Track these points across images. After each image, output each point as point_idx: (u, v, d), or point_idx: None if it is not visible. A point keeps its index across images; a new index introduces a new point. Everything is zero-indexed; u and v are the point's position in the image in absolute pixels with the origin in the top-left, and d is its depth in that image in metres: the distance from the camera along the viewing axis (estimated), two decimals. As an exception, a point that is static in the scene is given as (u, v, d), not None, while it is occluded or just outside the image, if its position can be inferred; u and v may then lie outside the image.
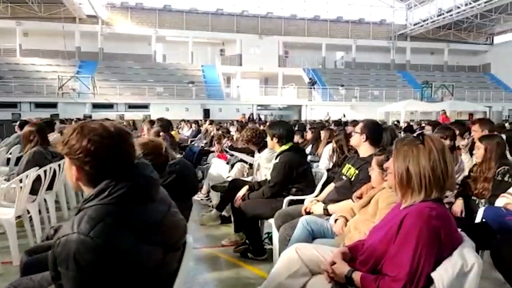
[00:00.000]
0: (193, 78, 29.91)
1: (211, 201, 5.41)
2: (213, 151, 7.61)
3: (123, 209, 1.23)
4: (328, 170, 4.20)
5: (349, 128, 6.96)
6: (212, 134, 9.56)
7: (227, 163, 5.64)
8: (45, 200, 4.29)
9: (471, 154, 4.35)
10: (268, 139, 3.71)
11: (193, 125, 14.38)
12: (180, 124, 17.51)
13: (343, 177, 3.12)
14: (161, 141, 2.16)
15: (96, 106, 25.80)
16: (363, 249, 1.72)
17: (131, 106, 26.41)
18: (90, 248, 1.12)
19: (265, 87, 34.05)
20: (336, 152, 4.60)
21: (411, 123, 11.98)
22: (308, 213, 3.07)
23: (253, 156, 4.89)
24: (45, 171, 3.77)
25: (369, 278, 1.56)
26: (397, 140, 1.70)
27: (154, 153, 2.13)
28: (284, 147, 3.59)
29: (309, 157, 6.24)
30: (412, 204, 1.58)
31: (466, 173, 3.58)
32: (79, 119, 14.10)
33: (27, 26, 29.95)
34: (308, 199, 3.30)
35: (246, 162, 5.14)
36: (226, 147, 7.05)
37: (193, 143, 10.87)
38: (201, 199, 5.64)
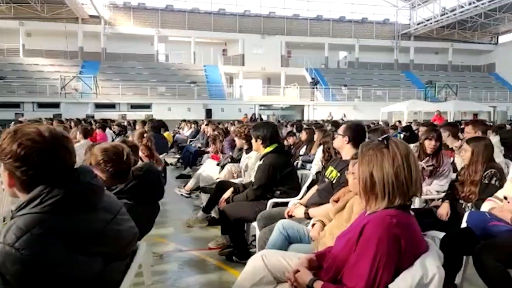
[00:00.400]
0: (195, 78, 29.92)
1: (202, 203, 5.37)
2: (208, 152, 7.58)
3: (56, 218, 1.18)
4: (319, 172, 4.15)
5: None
6: (208, 134, 9.51)
7: (218, 164, 5.60)
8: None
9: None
10: (253, 141, 3.65)
11: (193, 125, 14.36)
12: (181, 124, 17.51)
13: (326, 179, 3.06)
14: (123, 147, 2.11)
15: (98, 106, 25.92)
16: (327, 257, 1.67)
17: (134, 106, 26.49)
18: (15, 260, 1.07)
19: (268, 87, 33.99)
20: (324, 154, 4.53)
21: (410, 124, 11.85)
22: (291, 216, 3.02)
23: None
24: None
25: None
26: (363, 144, 1.64)
27: (114, 160, 2.08)
28: (269, 149, 3.53)
29: (302, 158, 6.19)
30: (376, 211, 1.51)
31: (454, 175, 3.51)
32: (78, 120, 14.10)
33: (30, 26, 30.13)
34: (292, 202, 3.24)
35: (237, 162, 5.11)
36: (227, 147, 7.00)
37: (191, 143, 10.85)
38: (182, 194, 5.70)
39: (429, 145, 3.50)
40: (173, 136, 13.95)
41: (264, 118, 27.81)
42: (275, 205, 3.40)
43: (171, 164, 9.65)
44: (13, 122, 7.95)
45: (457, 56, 38.23)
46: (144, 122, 6.24)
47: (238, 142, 5.04)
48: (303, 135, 6.90)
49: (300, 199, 3.36)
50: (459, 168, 3.92)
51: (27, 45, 30.33)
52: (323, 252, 1.81)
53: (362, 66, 36.34)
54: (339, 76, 34.21)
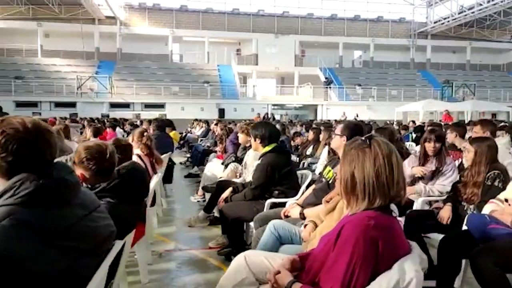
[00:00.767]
0: (209, 78, 30.06)
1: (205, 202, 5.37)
2: (215, 151, 7.59)
3: (28, 211, 1.19)
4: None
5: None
6: (216, 133, 9.52)
7: (222, 163, 5.59)
8: None
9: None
10: (252, 140, 3.63)
11: (204, 124, 14.43)
12: (193, 123, 17.62)
13: (323, 179, 3.02)
14: (107, 145, 2.13)
15: (113, 105, 26.31)
16: (309, 258, 1.63)
17: (147, 106, 26.77)
18: None
19: (281, 87, 33.91)
20: (330, 154, 4.47)
21: (422, 124, 11.63)
22: (287, 216, 2.98)
23: None
24: None
25: None
26: (346, 144, 1.60)
27: (97, 158, 2.10)
28: (267, 148, 3.50)
29: (309, 159, 6.14)
30: (356, 212, 1.47)
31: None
32: (91, 119, 14.34)
33: (48, 27, 30.79)
34: (290, 202, 3.21)
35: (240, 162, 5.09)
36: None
37: (201, 142, 10.90)
38: (198, 201, 5.61)
39: (429, 147, 3.41)
40: (185, 136, 14.08)
41: (277, 117, 27.75)
42: (273, 205, 3.36)
43: (181, 163, 9.71)
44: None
45: (476, 55, 37.40)
46: (150, 121, 6.25)
47: (243, 139, 5.02)
48: (310, 135, 6.85)
49: (298, 199, 3.33)
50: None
51: (45, 46, 31.00)
52: (307, 253, 1.77)
53: (377, 65, 35.88)
54: (354, 75, 33.87)
